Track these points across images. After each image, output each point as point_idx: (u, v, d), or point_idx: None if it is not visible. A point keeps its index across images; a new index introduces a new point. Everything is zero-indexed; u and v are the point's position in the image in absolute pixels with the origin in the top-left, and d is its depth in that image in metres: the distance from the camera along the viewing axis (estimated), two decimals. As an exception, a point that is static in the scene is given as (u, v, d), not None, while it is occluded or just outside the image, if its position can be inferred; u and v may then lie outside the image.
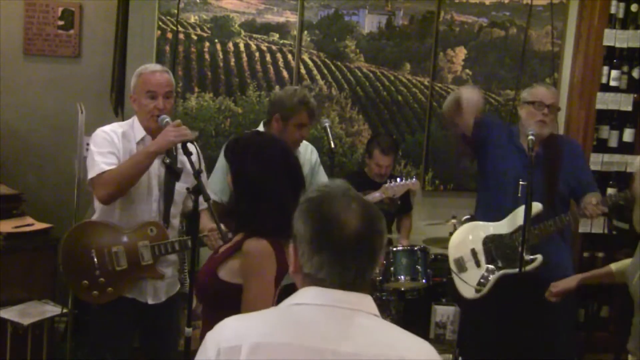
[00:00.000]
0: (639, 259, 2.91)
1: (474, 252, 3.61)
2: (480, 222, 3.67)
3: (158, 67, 3.12)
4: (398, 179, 3.66)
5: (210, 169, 3.55)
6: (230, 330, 1.47)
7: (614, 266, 3.25)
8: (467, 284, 3.57)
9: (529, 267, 3.40)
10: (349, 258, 1.46)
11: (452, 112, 3.55)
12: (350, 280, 1.47)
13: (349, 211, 1.46)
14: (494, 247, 3.57)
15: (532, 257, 3.41)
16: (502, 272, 3.53)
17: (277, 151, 2.31)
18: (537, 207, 3.43)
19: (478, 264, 3.59)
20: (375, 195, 3.64)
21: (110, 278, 2.97)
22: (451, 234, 4.21)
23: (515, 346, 3.46)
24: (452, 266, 3.63)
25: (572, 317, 3.90)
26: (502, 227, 3.58)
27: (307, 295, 1.48)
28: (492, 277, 3.53)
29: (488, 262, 3.56)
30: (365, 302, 1.49)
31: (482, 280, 3.54)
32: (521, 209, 3.46)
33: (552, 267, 3.48)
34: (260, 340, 1.42)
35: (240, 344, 1.41)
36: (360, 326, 1.45)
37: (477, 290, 3.54)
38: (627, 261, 3.12)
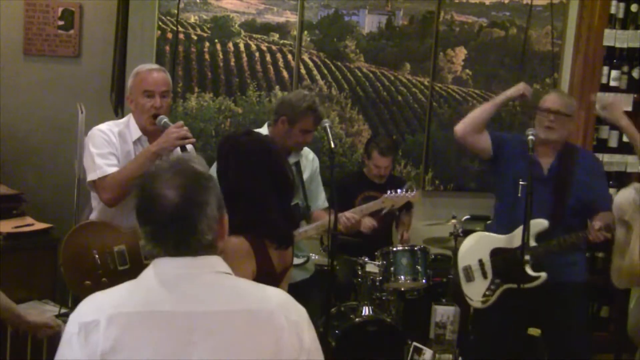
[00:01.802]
0: None
1: (481, 263, 3.61)
2: (490, 233, 3.68)
3: (155, 66, 3.13)
4: (399, 190, 3.69)
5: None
6: (90, 305, 1.55)
7: None
8: (474, 296, 3.61)
9: (531, 285, 3.38)
10: (165, 230, 1.54)
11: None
12: (173, 249, 1.55)
13: (168, 186, 1.53)
14: (501, 260, 3.57)
15: (536, 274, 3.40)
16: (506, 286, 3.54)
17: (261, 153, 2.34)
18: (542, 224, 3.42)
19: (485, 275, 3.60)
20: (377, 203, 3.67)
21: (112, 278, 2.96)
22: (451, 234, 4.22)
23: (522, 347, 3.45)
24: (460, 274, 3.65)
25: (583, 317, 3.81)
26: (510, 240, 3.55)
27: (153, 265, 1.58)
28: (497, 290, 3.55)
29: (494, 275, 3.57)
30: (210, 262, 1.58)
31: (487, 293, 3.57)
32: (531, 224, 3.35)
33: (565, 270, 3.50)
34: (114, 311, 1.50)
35: (99, 318, 1.49)
36: (205, 284, 1.55)
37: (483, 302, 3.58)
38: None
